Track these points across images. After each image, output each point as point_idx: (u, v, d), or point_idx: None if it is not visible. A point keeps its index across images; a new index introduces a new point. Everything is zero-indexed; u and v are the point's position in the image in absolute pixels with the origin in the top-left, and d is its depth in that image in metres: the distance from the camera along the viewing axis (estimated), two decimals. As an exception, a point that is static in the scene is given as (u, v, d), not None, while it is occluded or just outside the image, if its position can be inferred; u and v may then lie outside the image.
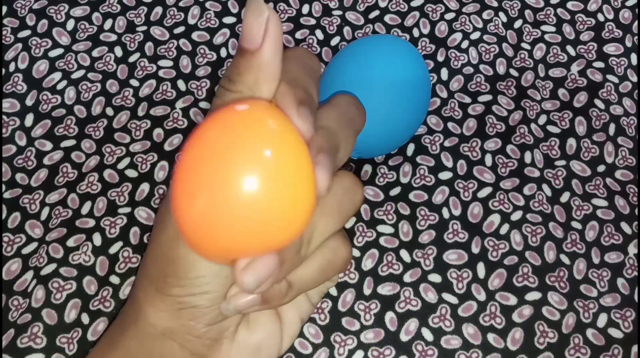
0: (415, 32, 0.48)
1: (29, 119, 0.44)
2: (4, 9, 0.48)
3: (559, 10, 0.49)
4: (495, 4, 0.49)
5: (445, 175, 0.43)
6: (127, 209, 0.41)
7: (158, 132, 0.44)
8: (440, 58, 0.47)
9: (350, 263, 0.26)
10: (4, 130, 0.43)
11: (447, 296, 0.40)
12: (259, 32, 0.20)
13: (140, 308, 0.24)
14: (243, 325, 0.25)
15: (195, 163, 0.19)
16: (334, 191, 0.23)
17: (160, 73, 0.46)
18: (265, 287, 0.21)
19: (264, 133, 0.19)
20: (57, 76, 0.45)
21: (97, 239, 0.40)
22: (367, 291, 0.40)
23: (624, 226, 0.42)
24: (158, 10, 0.48)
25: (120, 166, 0.43)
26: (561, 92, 0.46)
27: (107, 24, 0.48)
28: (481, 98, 0.46)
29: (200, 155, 0.19)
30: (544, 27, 0.49)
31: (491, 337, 0.39)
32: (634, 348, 0.39)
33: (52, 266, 0.39)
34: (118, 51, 0.47)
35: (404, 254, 0.41)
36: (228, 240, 0.19)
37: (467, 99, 0.46)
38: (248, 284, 0.20)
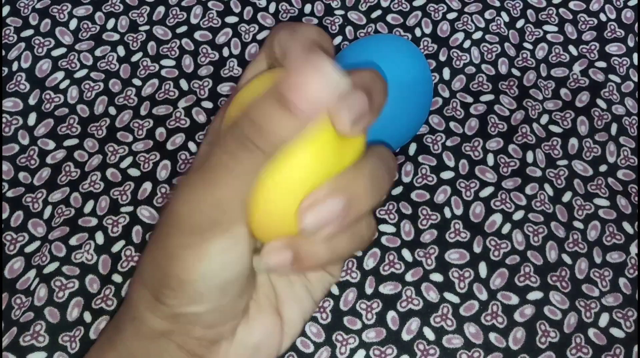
0: (418, 32, 0.48)
1: (32, 118, 0.44)
2: (7, 8, 0.48)
3: (561, 10, 0.49)
4: (498, 4, 0.49)
5: (447, 174, 0.43)
6: (130, 208, 0.42)
7: (160, 132, 0.44)
8: (443, 58, 0.47)
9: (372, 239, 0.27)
10: (7, 129, 0.44)
11: (448, 295, 0.40)
12: (318, 96, 0.19)
13: (138, 311, 0.24)
14: (242, 325, 0.25)
15: None
16: (377, 165, 0.23)
17: (163, 72, 0.46)
18: (326, 233, 0.21)
19: None
20: (59, 75, 0.46)
21: (99, 238, 0.41)
22: (368, 290, 0.40)
23: (626, 225, 0.42)
24: (160, 9, 0.48)
25: (123, 165, 0.43)
26: (563, 92, 0.46)
27: (110, 24, 0.48)
28: (483, 98, 0.46)
29: None
30: (546, 27, 0.49)
31: (493, 336, 0.39)
32: (636, 348, 0.39)
33: (55, 265, 0.40)
34: (121, 50, 0.47)
35: (406, 253, 0.41)
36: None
37: (469, 99, 0.46)
38: (308, 225, 0.20)
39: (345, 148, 0.22)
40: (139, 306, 0.24)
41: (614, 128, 0.45)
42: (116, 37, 0.47)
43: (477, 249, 0.41)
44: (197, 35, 0.48)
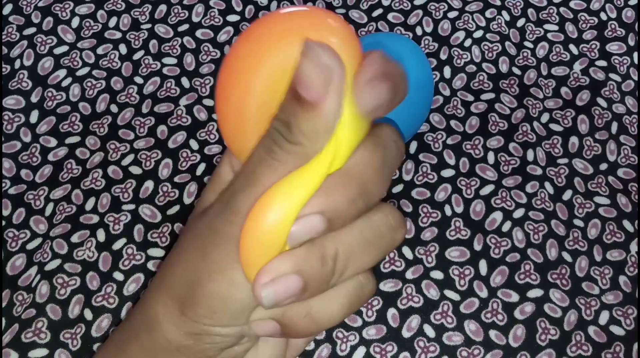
0: (419, 31, 0.48)
1: (34, 116, 0.44)
2: (10, 6, 0.48)
3: (561, 9, 0.49)
4: (498, 3, 0.49)
5: (447, 173, 0.43)
6: (131, 206, 0.42)
7: (162, 129, 0.44)
8: (443, 56, 0.47)
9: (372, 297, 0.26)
10: (9, 126, 0.44)
11: (449, 293, 0.40)
12: (321, 83, 0.19)
13: (157, 322, 0.23)
14: (252, 348, 0.25)
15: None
16: (376, 226, 0.22)
17: (165, 70, 0.46)
18: (284, 306, 0.21)
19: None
20: (62, 73, 0.46)
21: (100, 235, 0.41)
22: (369, 287, 0.40)
23: (626, 224, 0.42)
24: (162, 8, 0.49)
25: (124, 162, 0.43)
26: (564, 90, 0.46)
27: (112, 22, 0.48)
28: (484, 96, 0.46)
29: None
30: (547, 26, 0.49)
31: (493, 334, 0.39)
32: (636, 346, 0.39)
33: (57, 262, 0.40)
34: (122, 49, 0.47)
35: (406, 251, 0.41)
36: None
37: (470, 97, 0.46)
38: (264, 298, 0.20)
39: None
40: (159, 317, 0.23)
41: (614, 127, 0.45)
42: (118, 35, 0.47)
43: (477, 247, 0.41)
44: (198, 33, 0.48)
